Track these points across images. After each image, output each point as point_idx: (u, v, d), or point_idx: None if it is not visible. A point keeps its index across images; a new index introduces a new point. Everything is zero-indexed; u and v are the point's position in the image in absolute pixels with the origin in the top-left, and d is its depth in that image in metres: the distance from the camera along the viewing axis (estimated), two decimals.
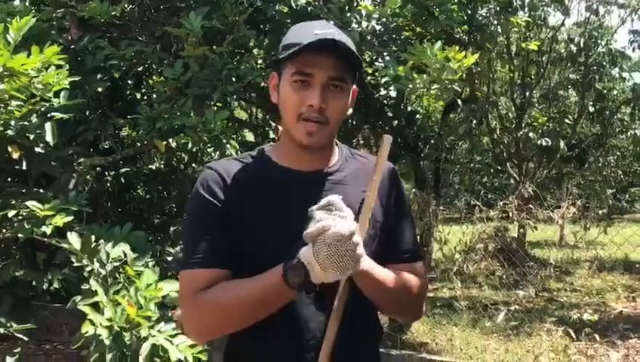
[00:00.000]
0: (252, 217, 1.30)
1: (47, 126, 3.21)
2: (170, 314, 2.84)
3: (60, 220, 2.89)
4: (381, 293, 1.32)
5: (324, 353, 1.22)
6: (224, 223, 1.29)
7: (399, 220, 1.39)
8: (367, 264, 1.23)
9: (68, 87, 3.17)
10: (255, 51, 4.65)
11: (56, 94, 3.20)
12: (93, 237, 2.97)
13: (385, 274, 1.31)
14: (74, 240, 2.91)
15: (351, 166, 1.40)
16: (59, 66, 3.07)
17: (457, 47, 3.25)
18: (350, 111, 1.37)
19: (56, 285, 3.40)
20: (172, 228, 5.58)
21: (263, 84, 4.39)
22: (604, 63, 9.54)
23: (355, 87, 1.37)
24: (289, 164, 1.35)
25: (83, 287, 2.89)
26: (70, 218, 2.96)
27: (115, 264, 2.86)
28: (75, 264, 2.93)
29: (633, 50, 10.08)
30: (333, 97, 1.27)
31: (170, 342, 2.56)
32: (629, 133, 10.89)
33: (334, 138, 1.39)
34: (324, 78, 1.26)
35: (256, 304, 1.23)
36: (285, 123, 1.33)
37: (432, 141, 5.63)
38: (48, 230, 2.90)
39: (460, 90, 3.91)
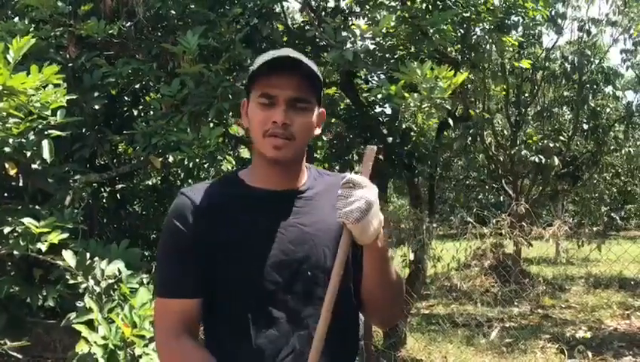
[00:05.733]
0: (224, 240, 1.33)
1: (45, 143, 3.24)
2: None
3: (55, 237, 2.91)
4: (382, 274, 1.35)
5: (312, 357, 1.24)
6: (195, 251, 1.33)
7: None
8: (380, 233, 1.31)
9: (65, 104, 3.20)
10: (251, 69, 4.71)
11: (54, 112, 3.23)
12: (88, 254, 2.98)
13: (389, 254, 1.37)
14: (69, 257, 2.92)
15: (320, 183, 1.44)
16: (57, 85, 3.10)
17: (448, 66, 3.30)
18: (318, 131, 1.43)
19: (51, 303, 3.40)
20: None
21: None
22: (598, 81, 9.64)
23: (322, 109, 1.43)
24: (260, 184, 1.39)
25: (78, 304, 2.90)
26: (65, 235, 2.98)
27: (110, 281, 2.87)
28: (70, 281, 2.94)
29: (627, 69, 10.19)
30: (297, 115, 1.33)
31: None
32: (622, 151, 10.97)
33: (303, 156, 1.44)
34: (287, 98, 1.31)
35: None
36: (254, 142, 1.38)
37: (427, 158, 5.66)
38: (44, 247, 2.92)
39: (450, 108, 3.95)
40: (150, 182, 5.68)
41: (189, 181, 5.53)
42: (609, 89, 9.98)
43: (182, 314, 1.34)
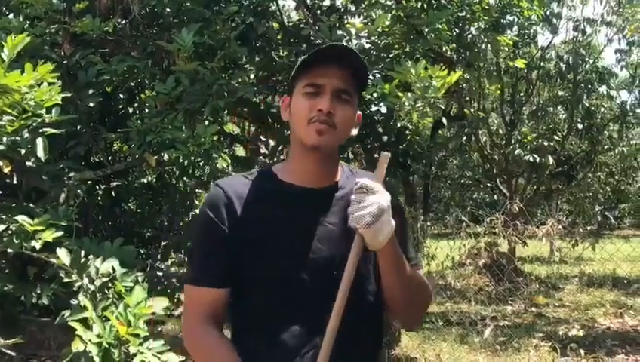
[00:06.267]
0: (253, 236, 1.36)
1: (39, 141, 3.23)
2: (160, 329, 2.85)
3: (50, 235, 2.90)
4: (398, 276, 1.37)
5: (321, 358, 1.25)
6: (227, 243, 1.36)
7: (397, 231, 1.40)
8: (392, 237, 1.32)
9: (60, 102, 3.19)
10: (247, 67, 4.71)
11: (48, 110, 3.22)
12: (82, 252, 2.98)
13: (403, 257, 1.38)
14: (63, 255, 2.91)
15: (351, 182, 1.43)
16: (51, 83, 3.09)
17: (442, 66, 3.31)
18: (355, 132, 1.44)
19: (45, 301, 3.40)
20: (163, 243, 5.58)
21: (254, 99, 4.45)
22: (592, 81, 9.68)
23: (359, 112, 1.45)
24: (294, 180, 1.41)
25: (72, 302, 2.90)
26: (59, 233, 2.97)
27: (105, 279, 2.87)
28: (65, 280, 2.93)
29: (621, 68, 10.24)
30: (341, 106, 1.35)
31: (159, 358, 2.57)
32: (616, 150, 11.01)
33: (338, 152, 1.46)
34: (333, 88, 1.34)
35: None
36: (296, 131, 1.39)
37: (422, 157, 5.68)
38: (37, 245, 2.91)
39: (444, 107, 3.97)
40: (145, 180, 5.66)
41: (184, 179, 5.53)
42: (603, 88, 10.02)
43: (209, 302, 1.38)
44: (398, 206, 1.45)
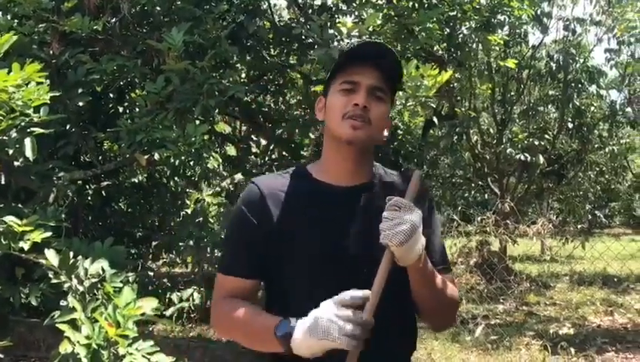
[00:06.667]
0: (289, 232, 1.38)
1: (27, 141, 3.19)
2: (151, 330, 2.83)
3: (38, 236, 2.88)
4: (427, 288, 1.38)
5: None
6: (258, 238, 1.39)
7: (429, 234, 1.41)
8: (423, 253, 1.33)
9: (48, 102, 3.16)
10: (237, 66, 4.69)
11: (37, 109, 3.18)
12: (71, 253, 2.95)
13: (433, 271, 1.39)
14: (52, 256, 2.89)
15: (384, 182, 1.47)
16: (39, 82, 3.06)
17: (433, 65, 3.33)
18: (386, 133, 1.46)
19: (33, 302, 3.37)
20: (154, 243, 5.55)
21: (245, 98, 4.44)
22: (582, 80, 9.72)
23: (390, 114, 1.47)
24: (329, 179, 1.43)
25: (61, 303, 2.87)
26: (48, 234, 2.94)
27: (94, 280, 2.85)
28: (54, 280, 2.91)
29: (611, 68, 10.28)
30: (376, 103, 1.38)
31: (149, 359, 2.56)
32: (606, 149, 11.07)
33: (372, 152, 1.47)
34: (368, 85, 1.38)
35: (252, 336, 1.37)
36: (330, 127, 1.41)
37: (413, 156, 5.69)
38: (26, 245, 2.88)
39: (434, 106, 3.98)
40: (136, 180, 5.64)
41: (175, 179, 5.51)
42: (593, 88, 10.06)
43: (235, 289, 1.42)
44: (429, 209, 1.48)
